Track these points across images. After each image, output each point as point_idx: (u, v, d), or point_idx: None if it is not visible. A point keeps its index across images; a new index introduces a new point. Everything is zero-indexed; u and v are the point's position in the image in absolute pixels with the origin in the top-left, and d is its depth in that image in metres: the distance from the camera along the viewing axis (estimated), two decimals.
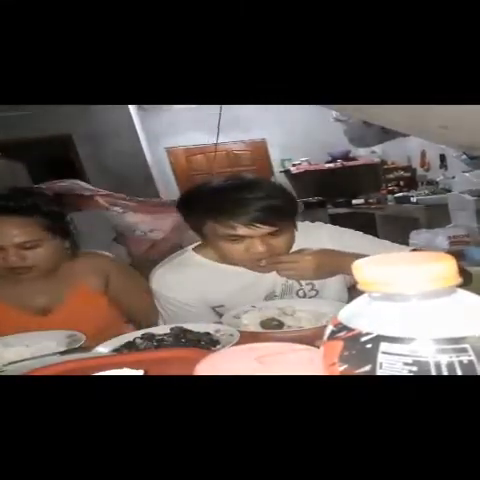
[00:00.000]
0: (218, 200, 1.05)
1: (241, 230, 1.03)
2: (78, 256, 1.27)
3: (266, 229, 1.04)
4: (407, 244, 2.16)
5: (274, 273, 1.14)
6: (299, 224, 1.26)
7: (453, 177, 3.70)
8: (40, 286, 1.20)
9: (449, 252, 0.33)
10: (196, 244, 1.24)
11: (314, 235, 1.23)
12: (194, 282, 1.15)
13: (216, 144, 3.62)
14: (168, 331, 0.93)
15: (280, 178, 5.35)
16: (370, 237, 1.27)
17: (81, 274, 1.25)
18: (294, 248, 1.18)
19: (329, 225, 1.31)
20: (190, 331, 0.93)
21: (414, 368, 0.30)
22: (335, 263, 1.10)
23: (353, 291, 1.19)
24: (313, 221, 1.33)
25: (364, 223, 3.49)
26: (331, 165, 5.17)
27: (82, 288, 1.24)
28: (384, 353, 0.31)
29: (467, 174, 3.16)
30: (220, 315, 1.16)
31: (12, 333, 1.03)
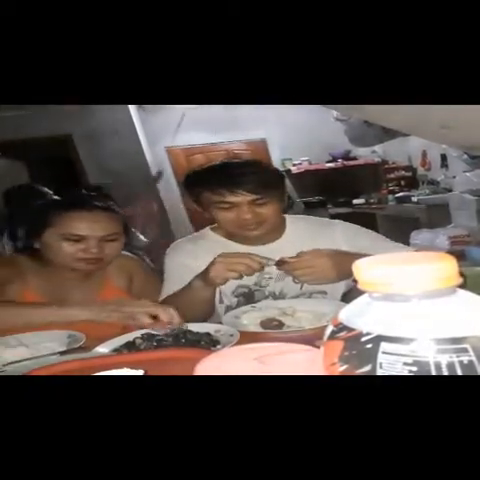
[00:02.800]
0: (211, 174, 1.22)
1: (228, 197, 1.16)
2: None
3: (250, 196, 1.16)
4: (407, 244, 2.16)
5: (271, 256, 1.20)
6: (316, 220, 1.35)
7: (454, 177, 3.69)
8: (76, 283, 1.25)
9: (450, 252, 0.33)
10: (214, 225, 1.35)
11: (328, 232, 1.29)
12: (203, 252, 1.24)
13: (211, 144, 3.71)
14: (168, 331, 0.93)
15: None
16: (383, 237, 1.30)
17: (110, 273, 1.31)
18: (308, 242, 1.22)
19: (345, 223, 1.35)
20: (190, 331, 0.93)
21: (414, 368, 0.30)
22: (350, 264, 1.10)
23: (353, 291, 1.20)
24: None
25: (365, 223, 3.47)
26: (332, 165, 5.15)
27: (111, 286, 1.29)
28: (384, 353, 0.31)
29: (468, 174, 3.16)
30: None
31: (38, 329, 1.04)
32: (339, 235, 1.27)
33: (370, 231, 1.32)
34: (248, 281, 1.24)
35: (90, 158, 4.53)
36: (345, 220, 1.38)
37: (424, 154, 4.51)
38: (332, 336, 0.35)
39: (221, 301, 1.27)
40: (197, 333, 0.92)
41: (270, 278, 1.25)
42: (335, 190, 4.95)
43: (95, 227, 1.17)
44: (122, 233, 1.25)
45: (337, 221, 1.35)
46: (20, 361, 0.88)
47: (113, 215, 1.22)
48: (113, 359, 0.79)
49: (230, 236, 1.29)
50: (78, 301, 1.22)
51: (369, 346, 0.31)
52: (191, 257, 1.26)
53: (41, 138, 4.27)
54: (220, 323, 1.01)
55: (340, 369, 0.33)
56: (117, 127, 4.42)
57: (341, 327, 0.34)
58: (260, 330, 0.97)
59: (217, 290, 1.23)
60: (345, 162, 5.15)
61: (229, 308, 1.26)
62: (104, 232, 1.18)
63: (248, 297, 1.26)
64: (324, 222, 1.35)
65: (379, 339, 0.31)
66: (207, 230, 1.36)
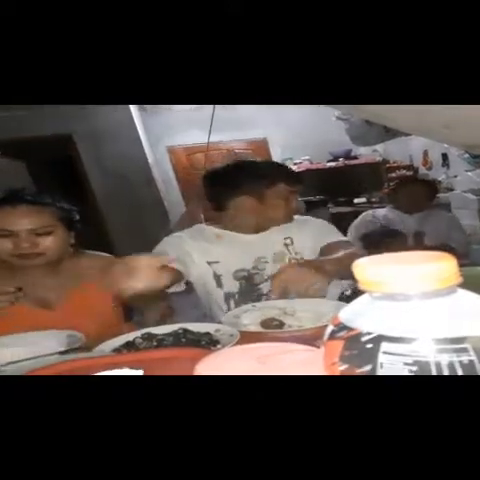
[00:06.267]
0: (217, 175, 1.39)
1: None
2: (83, 256, 1.34)
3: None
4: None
5: (265, 243, 1.36)
6: (298, 218, 1.44)
7: (455, 176, 3.70)
8: (44, 280, 1.25)
9: (449, 251, 0.33)
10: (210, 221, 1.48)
11: (307, 229, 1.40)
12: (204, 239, 1.37)
13: (208, 143, 3.73)
14: (168, 331, 0.93)
15: None
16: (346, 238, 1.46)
17: (87, 273, 1.29)
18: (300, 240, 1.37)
19: (316, 220, 1.47)
20: (190, 331, 0.93)
21: (415, 368, 0.30)
22: (330, 266, 1.15)
23: (353, 297, 1.20)
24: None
25: None
26: (333, 164, 5.16)
27: (87, 286, 1.27)
28: (385, 353, 0.31)
29: (469, 173, 3.16)
30: (214, 270, 1.34)
31: (17, 326, 1.05)
32: (308, 231, 1.38)
33: (336, 230, 1.44)
34: (246, 265, 1.33)
35: (90, 158, 4.53)
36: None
37: (425, 153, 4.51)
38: (332, 336, 0.35)
39: (220, 285, 1.32)
40: (197, 333, 0.92)
41: (266, 262, 1.34)
42: (336, 189, 4.95)
43: (21, 222, 1.18)
44: (59, 225, 1.24)
45: (320, 221, 1.46)
46: (20, 361, 0.88)
47: (43, 209, 1.23)
48: (113, 359, 0.79)
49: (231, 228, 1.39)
50: (49, 300, 1.23)
51: (369, 346, 0.31)
52: (190, 244, 1.34)
53: (41, 138, 4.27)
54: (220, 323, 1.01)
55: (340, 369, 0.33)
56: (118, 127, 4.42)
57: (341, 327, 0.34)
58: (260, 330, 0.97)
59: (212, 274, 1.32)
60: (346, 161, 5.15)
61: (230, 295, 1.31)
62: (33, 225, 1.19)
63: (248, 280, 1.33)
64: (299, 219, 1.44)
65: (380, 339, 0.31)
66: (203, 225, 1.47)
